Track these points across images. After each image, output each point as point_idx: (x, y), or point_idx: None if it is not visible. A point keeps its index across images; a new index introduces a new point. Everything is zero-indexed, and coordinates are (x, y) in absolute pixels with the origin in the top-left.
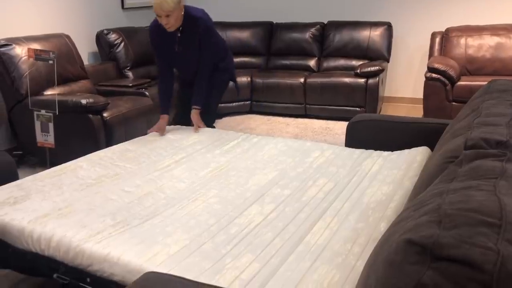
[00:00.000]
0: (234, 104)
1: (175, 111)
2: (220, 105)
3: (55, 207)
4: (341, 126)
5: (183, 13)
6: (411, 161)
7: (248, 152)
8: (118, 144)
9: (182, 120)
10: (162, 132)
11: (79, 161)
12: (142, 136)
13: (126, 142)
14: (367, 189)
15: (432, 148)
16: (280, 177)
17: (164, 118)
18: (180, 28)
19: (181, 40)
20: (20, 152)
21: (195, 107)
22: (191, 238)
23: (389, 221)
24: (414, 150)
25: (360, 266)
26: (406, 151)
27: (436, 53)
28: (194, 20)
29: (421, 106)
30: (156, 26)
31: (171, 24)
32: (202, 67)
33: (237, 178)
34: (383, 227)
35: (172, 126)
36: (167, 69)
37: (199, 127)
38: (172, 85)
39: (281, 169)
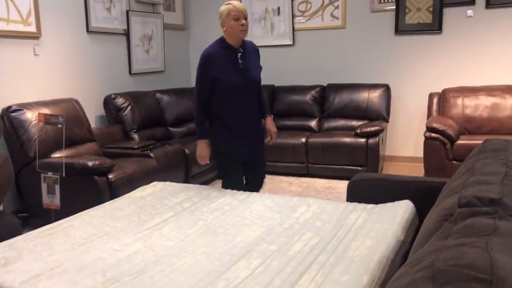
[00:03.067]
0: None
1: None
2: None
3: (46, 267)
4: (343, 185)
5: None
6: (394, 214)
7: (236, 209)
8: (109, 202)
9: None
10: (207, 157)
11: (70, 220)
12: (131, 192)
13: (117, 199)
14: (352, 243)
15: (431, 206)
16: (267, 233)
17: (206, 142)
18: (241, 45)
19: (243, 56)
20: (26, 214)
21: (269, 115)
22: None
23: (372, 274)
24: (397, 204)
25: None
26: (389, 204)
27: (434, 113)
28: (249, 41)
29: (422, 165)
30: (213, 51)
31: (247, 27)
32: (260, 86)
33: (225, 235)
34: (366, 280)
35: (162, 183)
36: (205, 100)
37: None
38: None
39: (268, 225)
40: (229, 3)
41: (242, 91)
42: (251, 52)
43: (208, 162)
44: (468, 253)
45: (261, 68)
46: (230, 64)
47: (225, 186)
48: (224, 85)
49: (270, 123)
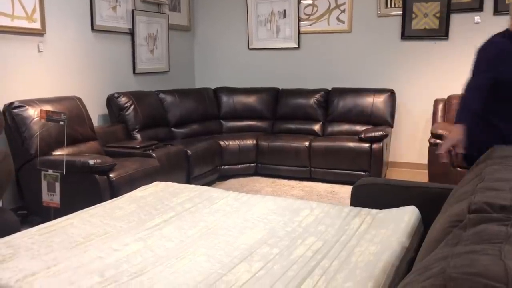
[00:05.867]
0: (239, 166)
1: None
2: (224, 167)
3: (43, 265)
4: (346, 190)
5: None
6: (398, 220)
7: (238, 211)
8: (109, 201)
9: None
10: (460, 147)
11: (69, 218)
12: (132, 192)
13: (117, 198)
14: (355, 248)
15: (437, 212)
16: (269, 236)
17: (461, 128)
18: None
19: None
20: (25, 212)
21: None
22: None
23: (377, 281)
24: (402, 210)
25: None
26: (394, 210)
27: (439, 119)
28: None
29: (426, 171)
30: (505, 42)
31: None
32: None
33: (226, 237)
34: (370, 286)
35: (163, 183)
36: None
37: None
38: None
39: (270, 228)
40: None
41: None
42: None
43: (462, 152)
44: (481, 260)
45: None
46: None
47: None
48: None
49: None
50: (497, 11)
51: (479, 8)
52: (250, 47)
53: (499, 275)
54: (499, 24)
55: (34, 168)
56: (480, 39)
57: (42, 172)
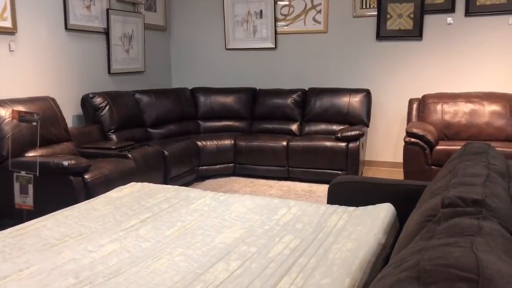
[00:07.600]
0: (217, 166)
1: None
2: (202, 167)
3: (15, 268)
4: (323, 189)
5: None
6: (375, 217)
7: (216, 211)
8: (84, 202)
9: None
10: None
11: (42, 220)
12: (108, 193)
13: (92, 199)
14: (333, 245)
15: (412, 209)
16: (247, 235)
17: None
18: None
19: None
20: None
21: None
22: None
23: (354, 277)
24: (378, 207)
25: None
26: (370, 207)
27: (414, 118)
28: None
29: (402, 170)
30: None
31: None
32: None
33: (204, 236)
34: (347, 282)
35: (140, 184)
36: None
37: None
38: None
39: (248, 227)
40: None
41: None
42: None
43: None
44: (454, 252)
45: None
46: None
47: None
48: None
49: None
50: (468, 12)
51: (451, 10)
52: (227, 47)
53: (471, 266)
54: (470, 25)
55: (6, 169)
56: (453, 40)
57: (15, 174)
